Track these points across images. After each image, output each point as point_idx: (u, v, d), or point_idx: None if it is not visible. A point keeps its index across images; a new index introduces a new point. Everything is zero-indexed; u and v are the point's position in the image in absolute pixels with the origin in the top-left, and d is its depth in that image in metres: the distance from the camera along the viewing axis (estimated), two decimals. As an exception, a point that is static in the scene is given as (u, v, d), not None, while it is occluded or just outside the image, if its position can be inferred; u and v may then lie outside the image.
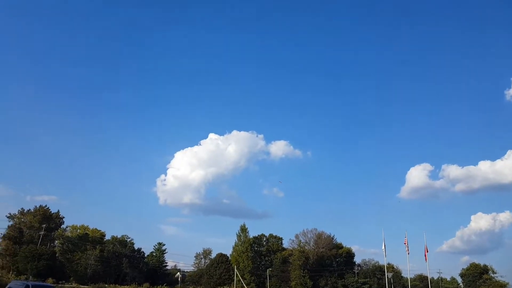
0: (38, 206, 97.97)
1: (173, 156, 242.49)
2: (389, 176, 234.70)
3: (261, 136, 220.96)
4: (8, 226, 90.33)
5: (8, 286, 35.06)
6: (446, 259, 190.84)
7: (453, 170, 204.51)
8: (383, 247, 70.47)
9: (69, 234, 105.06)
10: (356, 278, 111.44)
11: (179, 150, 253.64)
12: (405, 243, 68.33)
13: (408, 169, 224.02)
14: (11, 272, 71.92)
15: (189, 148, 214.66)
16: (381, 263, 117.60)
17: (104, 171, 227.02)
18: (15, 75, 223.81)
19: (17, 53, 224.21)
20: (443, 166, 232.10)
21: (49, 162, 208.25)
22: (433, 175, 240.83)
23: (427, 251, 68.76)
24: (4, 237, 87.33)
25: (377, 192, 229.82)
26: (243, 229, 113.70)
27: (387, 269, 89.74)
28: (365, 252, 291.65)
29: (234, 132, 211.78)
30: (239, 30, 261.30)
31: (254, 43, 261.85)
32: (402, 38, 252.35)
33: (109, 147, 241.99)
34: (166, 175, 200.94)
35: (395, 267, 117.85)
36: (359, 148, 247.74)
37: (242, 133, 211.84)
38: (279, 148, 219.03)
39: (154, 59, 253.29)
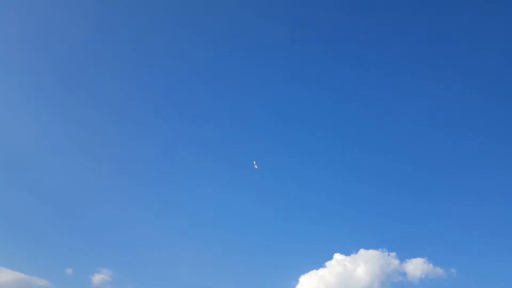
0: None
1: (298, 281, 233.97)
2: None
3: (393, 254, 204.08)
4: None
5: None
6: None
7: None
8: None
9: None
10: None
11: (303, 273, 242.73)
12: None
13: None
14: None
15: (314, 270, 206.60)
16: None
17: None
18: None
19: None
20: None
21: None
22: None
23: None
24: None
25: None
26: None
27: None
28: None
29: (362, 251, 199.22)
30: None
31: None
32: None
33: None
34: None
35: None
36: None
37: (371, 251, 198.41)
38: (416, 267, 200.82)
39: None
